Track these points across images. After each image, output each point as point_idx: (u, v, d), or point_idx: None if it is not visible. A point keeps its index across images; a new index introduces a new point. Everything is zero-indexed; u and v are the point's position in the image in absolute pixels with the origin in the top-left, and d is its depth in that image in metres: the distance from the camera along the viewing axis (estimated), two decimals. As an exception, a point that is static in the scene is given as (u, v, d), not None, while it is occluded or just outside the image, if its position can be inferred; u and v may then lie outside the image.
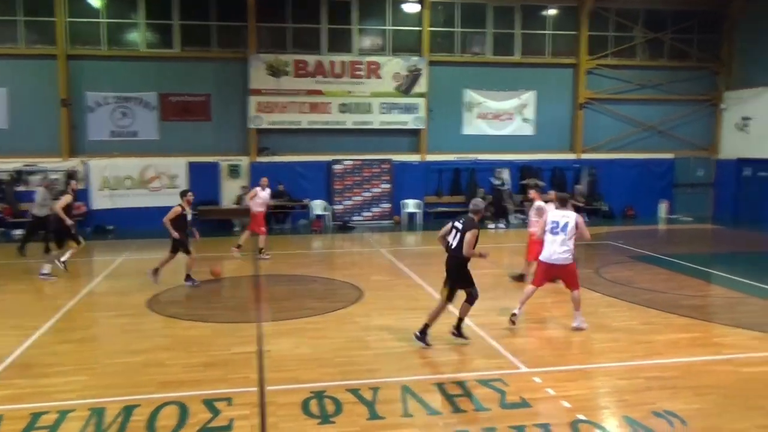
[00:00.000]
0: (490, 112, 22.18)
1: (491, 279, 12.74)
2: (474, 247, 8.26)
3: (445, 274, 8.58)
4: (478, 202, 8.77)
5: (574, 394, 6.90)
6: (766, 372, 7.62)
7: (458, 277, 8.45)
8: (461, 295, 8.54)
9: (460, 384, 7.15)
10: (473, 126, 22.15)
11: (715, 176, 23.34)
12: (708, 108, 23.50)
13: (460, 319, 8.67)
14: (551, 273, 9.39)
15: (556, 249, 9.12)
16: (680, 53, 23.09)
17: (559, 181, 22.32)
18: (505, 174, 21.55)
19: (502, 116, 22.28)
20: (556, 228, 9.15)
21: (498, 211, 20.57)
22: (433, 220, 21.04)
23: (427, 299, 10.96)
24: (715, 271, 13.72)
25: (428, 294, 11.35)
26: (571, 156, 22.67)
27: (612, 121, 22.89)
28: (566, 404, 6.62)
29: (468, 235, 8.19)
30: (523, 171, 22.00)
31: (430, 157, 21.73)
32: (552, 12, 22.38)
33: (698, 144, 23.56)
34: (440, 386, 7.09)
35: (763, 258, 15.64)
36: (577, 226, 9.09)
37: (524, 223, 20.55)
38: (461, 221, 8.45)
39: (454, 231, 8.48)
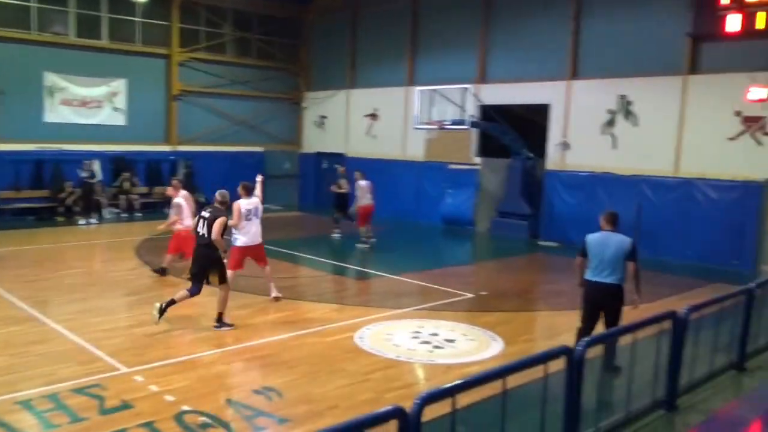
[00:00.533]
0: (77, 98, 20.45)
1: (82, 279, 11.93)
2: (222, 236, 8.78)
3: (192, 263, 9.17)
4: (224, 192, 9.37)
5: (177, 387, 6.87)
6: (345, 338, 8.73)
7: (209, 264, 8.95)
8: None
9: (51, 397, 6.48)
10: (57, 113, 20.11)
11: (300, 168, 25.76)
12: (292, 106, 25.77)
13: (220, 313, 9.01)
14: (247, 255, 10.36)
15: (256, 231, 10.29)
16: (266, 54, 24.76)
17: (155, 174, 21.89)
18: (95, 166, 20.13)
19: (90, 104, 20.74)
20: (251, 214, 10.25)
21: (88, 206, 19.11)
22: (9, 218, 18.50)
23: (4, 308, 9.64)
24: (301, 254, 15.13)
25: (6, 301, 9.97)
26: (167, 148, 22.40)
27: (205, 114, 23.33)
28: (170, 398, 6.56)
29: (216, 223, 8.73)
30: (116, 163, 20.92)
31: (4, 147, 19.01)
32: (141, -1, 21.71)
33: (285, 138, 25.67)
34: (26, 404, 6.32)
35: (338, 240, 17.86)
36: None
37: (120, 218, 19.68)
38: (209, 211, 9.03)
39: (201, 221, 9.02)
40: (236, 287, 11.42)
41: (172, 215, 11.84)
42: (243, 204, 10.22)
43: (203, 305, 10.22)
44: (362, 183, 15.79)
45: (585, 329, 7.35)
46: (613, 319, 7.29)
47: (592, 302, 7.46)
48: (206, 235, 8.86)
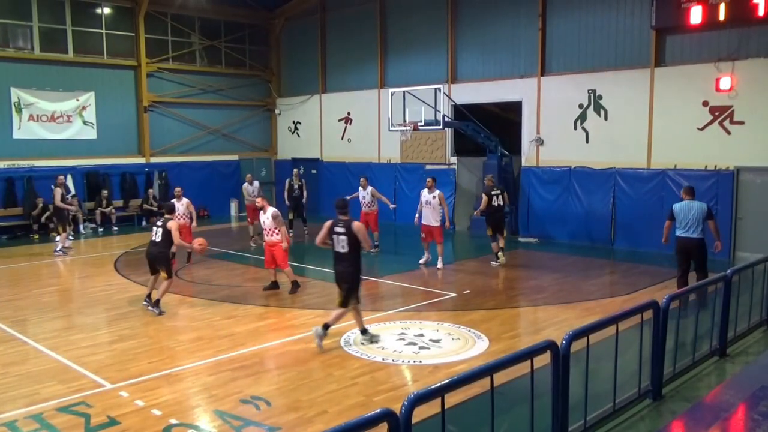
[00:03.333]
0: (45, 113, 20.15)
1: (61, 296, 11.77)
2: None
3: None
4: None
5: (163, 401, 6.81)
6: (330, 343, 8.66)
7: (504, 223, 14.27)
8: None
9: (36, 417, 6.39)
10: (26, 129, 19.80)
11: (275, 175, 25.66)
12: (265, 113, 25.67)
13: None
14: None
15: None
16: (236, 61, 24.63)
17: (130, 186, 21.65)
18: (69, 181, 19.83)
19: (59, 118, 20.45)
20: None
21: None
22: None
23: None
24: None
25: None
26: (140, 160, 22.17)
27: (178, 125, 23.16)
28: (157, 412, 6.50)
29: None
30: (89, 177, 20.66)
31: (-27, 166, 18.72)
32: (107, 11, 21.44)
33: (259, 146, 25.56)
34: (11, 425, 6.22)
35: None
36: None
37: (97, 233, 19.40)
38: (500, 189, 14.16)
39: (497, 197, 14.05)
40: (216, 298, 11.39)
41: (272, 227, 11.52)
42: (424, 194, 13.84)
43: (184, 318, 10.16)
44: (370, 189, 15.87)
45: (682, 275, 10.20)
46: (700, 264, 10.04)
47: (684, 253, 10.12)
48: (503, 204, 14.00)
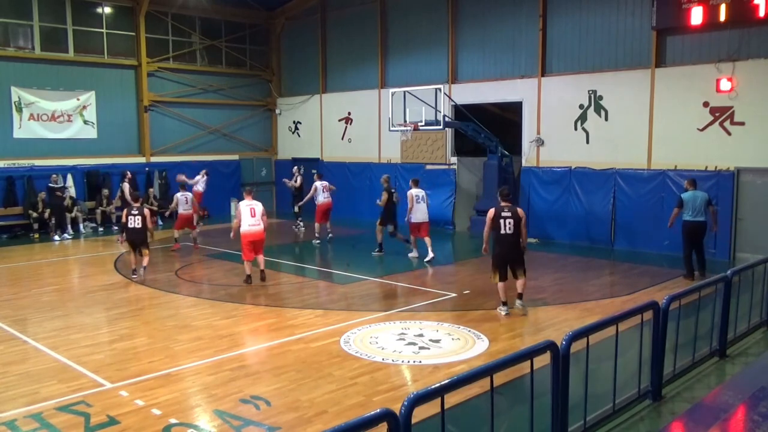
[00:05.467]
0: (46, 113, 20.13)
1: (60, 295, 11.76)
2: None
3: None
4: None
5: (163, 400, 6.81)
6: (330, 343, 8.71)
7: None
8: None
9: (35, 417, 6.39)
10: (27, 128, 19.78)
11: (275, 175, 25.66)
12: (265, 112, 25.67)
13: None
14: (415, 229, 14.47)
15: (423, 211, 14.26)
16: (236, 61, 24.64)
17: (131, 185, 21.59)
18: (67, 180, 19.83)
19: (60, 118, 20.44)
20: (419, 199, 14.29)
21: (61, 221, 18.78)
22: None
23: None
24: (281, 261, 15.07)
25: (-16, 322, 9.81)
26: (141, 160, 22.17)
27: (178, 124, 23.15)
28: (157, 411, 6.49)
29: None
30: (89, 176, 20.65)
31: (-27, 165, 18.71)
32: (108, 10, 21.44)
33: (260, 146, 25.56)
34: (10, 425, 6.22)
35: (321, 246, 17.82)
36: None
37: (97, 233, 19.40)
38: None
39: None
40: (217, 297, 11.40)
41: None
42: (413, 192, 14.30)
43: (184, 317, 10.16)
44: (317, 183, 17.31)
45: (688, 255, 12.24)
46: (701, 244, 12.24)
47: (691, 234, 12.14)
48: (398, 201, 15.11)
